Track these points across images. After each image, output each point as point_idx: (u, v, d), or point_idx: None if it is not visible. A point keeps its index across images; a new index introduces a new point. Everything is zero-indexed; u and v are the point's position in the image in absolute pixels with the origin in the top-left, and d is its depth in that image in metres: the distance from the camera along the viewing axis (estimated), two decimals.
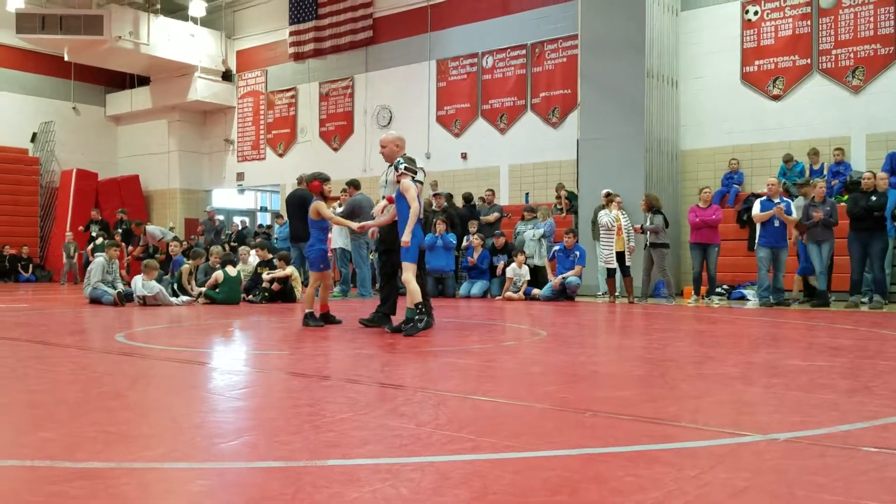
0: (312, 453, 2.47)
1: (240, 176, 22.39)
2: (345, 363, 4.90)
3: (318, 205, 7.49)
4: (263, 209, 25.00)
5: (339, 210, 14.04)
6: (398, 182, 6.55)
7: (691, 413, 3.22)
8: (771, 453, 2.48)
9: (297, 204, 12.23)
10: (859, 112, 12.74)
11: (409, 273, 6.48)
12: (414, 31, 18.38)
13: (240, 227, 19.30)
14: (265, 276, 11.15)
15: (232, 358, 5.40)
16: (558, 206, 15.22)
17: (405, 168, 6.55)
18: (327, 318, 7.49)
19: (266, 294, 11.06)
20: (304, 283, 12.18)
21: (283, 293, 11.04)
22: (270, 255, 12.22)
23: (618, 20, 13.15)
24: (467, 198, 15.05)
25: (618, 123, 13.07)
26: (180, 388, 4.03)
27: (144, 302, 10.07)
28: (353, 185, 12.63)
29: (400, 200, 6.58)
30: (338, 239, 13.06)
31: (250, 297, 11.19)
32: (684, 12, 14.39)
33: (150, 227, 16.48)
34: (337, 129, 20.05)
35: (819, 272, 10.40)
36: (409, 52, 18.46)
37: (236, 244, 16.77)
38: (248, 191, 23.68)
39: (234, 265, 11.25)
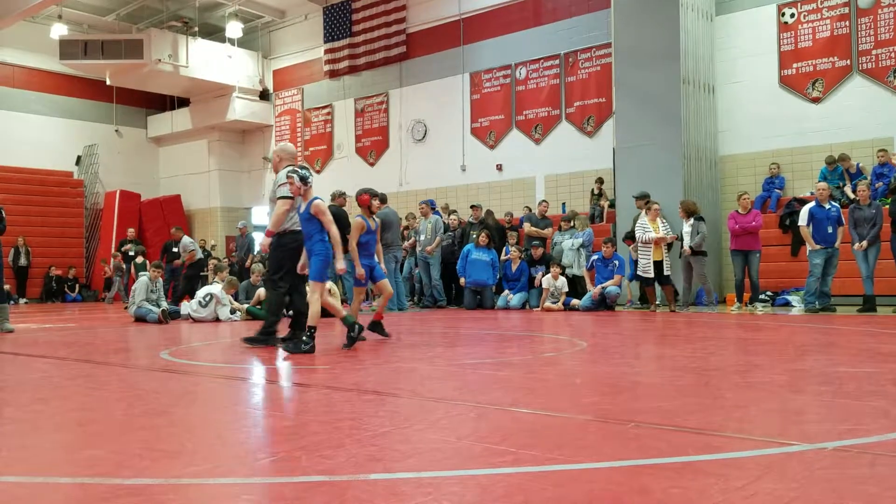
0: (355, 467, 2.49)
1: None
2: (385, 377, 4.92)
3: (354, 222, 7.50)
4: None
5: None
6: (294, 191, 6.48)
7: (737, 423, 3.16)
8: (820, 462, 2.43)
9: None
10: None
11: (315, 294, 6.42)
12: (447, 45, 18.48)
13: None
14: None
15: (274, 373, 5.45)
16: (595, 195, 15.18)
17: (283, 184, 6.51)
18: (376, 326, 7.64)
19: None
20: (344, 298, 12.29)
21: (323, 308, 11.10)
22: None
23: (651, 27, 13.07)
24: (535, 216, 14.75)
25: (654, 131, 12.96)
26: (224, 404, 4.08)
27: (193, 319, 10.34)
28: (381, 199, 12.68)
29: (309, 221, 6.50)
30: None
31: (290, 312, 11.28)
32: (719, 17, 14.24)
33: (185, 239, 16.55)
34: (373, 145, 20.21)
35: (866, 276, 10.17)
36: (442, 66, 18.56)
37: None
38: None
39: None
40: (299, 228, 6.73)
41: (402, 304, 12.51)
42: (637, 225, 11.59)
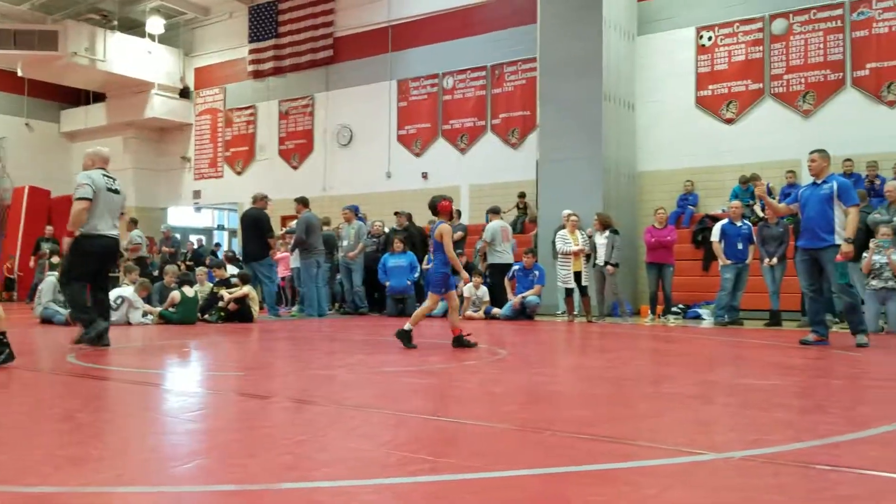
0: (269, 476, 2.43)
1: (196, 194, 22.12)
2: (303, 384, 4.84)
3: (444, 229, 7.12)
4: (220, 227, 24.72)
5: (290, 226, 13.98)
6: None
7: (649, 432, 3.24)
8: (727, 471, 2.51)
9: (251, 223, 12.12)
10: (809, 135, 13.07)
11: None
12: (375, 51, 18.44)
13: (196, 246, 19.03)
14: (224, 295, 10.99)
15: (187, 379, 5.30)
16: (520, 208, 15.44)
17: (81, 185, 6.54)
18: (460, 342, 7.00)
19: (222, 314, 10.91)
20: (262, 303, 12.08)
21: (241, 313, 10.89)
22: (228, 274, 12.08)
23: (575, 44, 13.35)
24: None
25: (576, 145, 13.22)
26: (133, 410, 3.94)
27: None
28: (303, 202, 12.57)
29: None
30: (294, 259, 13.01)
31: (206, 316, 11.03)
32: (640, 37, 14.68)
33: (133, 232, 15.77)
34: (297, 148, 19.96)
35: (773, 292, 10.60)
36: (369, 72, 18.50)
37: (192, 263, 16.53)
38: (204, 209, 23.40)
39: (192, 285, 11.07)
40: (98, 233, 6.65)
41: (323, 310, 12.36)
42: (557, 236, 11.79)
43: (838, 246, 7.04)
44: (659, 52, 14.55)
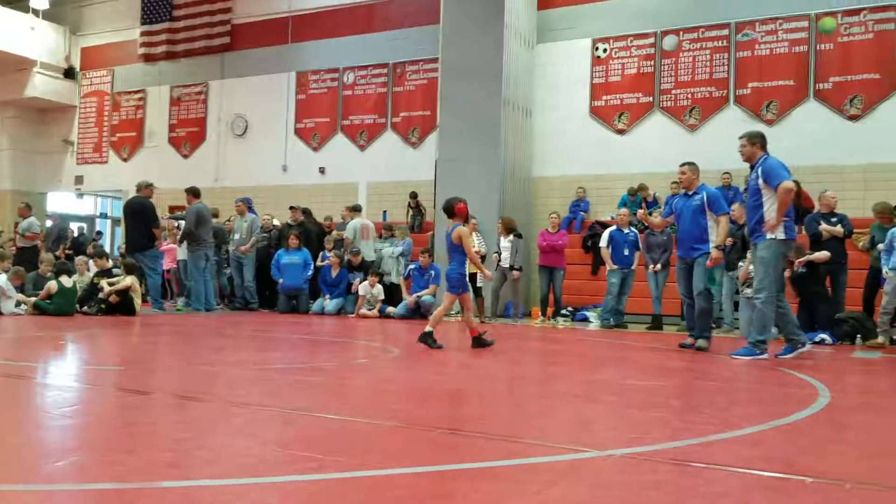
0: (148, 474, 2.34)
1: (79, 179, 21.02)
2: (187, 380, 4.69)
3: (462, 231, 7.15)
4: (103, 216, 23.60)
5: (177, 214, 13.50)
6: None
7: (536, 430, 3.31)
8: (608, 469, 2.59)
9: (136, 212, 11.63)
10: (695, 149, 13.67)
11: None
12: (274, 41, 18.05)
13: (76, 234, 18.10)
14: (105, 286, 10.48)
15: (62, 373, 5.03)
16: (412, 207, 15.50)
17: None
18: (479, 342, 6.92)
19: (103, 306, 10.41)
20: (146, 296, 11.61)
21: (122, 305, 10.42)
22: (109, 265, 11.55)
23: (477, 47, 13.50)
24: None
25: (475, 147, 13.37)
26: (2, 404, 3.70)
27: None
28: (194, 193, 12.15)
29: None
30: (181, 251, 12.60)
31: (85, 308, 10.51)
32: (540, 45, 15.00)
33: (28, 220, 14.74)
34: (188, 136, 19.29)
35: (655, 297, 11.05)
36: (268, 62, 18.09)
37: (72, 252, 15.71)
38: (87, 195, 22.27)
39: (70, 274, 10.52)
40: None
41: (210, 305, 12.00)
42: None
43: (721, 249, 7.36)
44: (557, 61, 14.91)
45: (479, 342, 6.95)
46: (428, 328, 6.94)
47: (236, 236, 12.98)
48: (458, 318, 12.09)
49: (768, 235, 6.66)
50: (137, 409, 3.53)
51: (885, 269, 8.86)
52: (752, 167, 6.97)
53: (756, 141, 6.95)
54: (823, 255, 9.18)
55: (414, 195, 15.50)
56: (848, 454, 2.98)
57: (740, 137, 7.12)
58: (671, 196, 8.11)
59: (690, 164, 7.70)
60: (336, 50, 17.28)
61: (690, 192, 7.59)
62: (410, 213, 15.67)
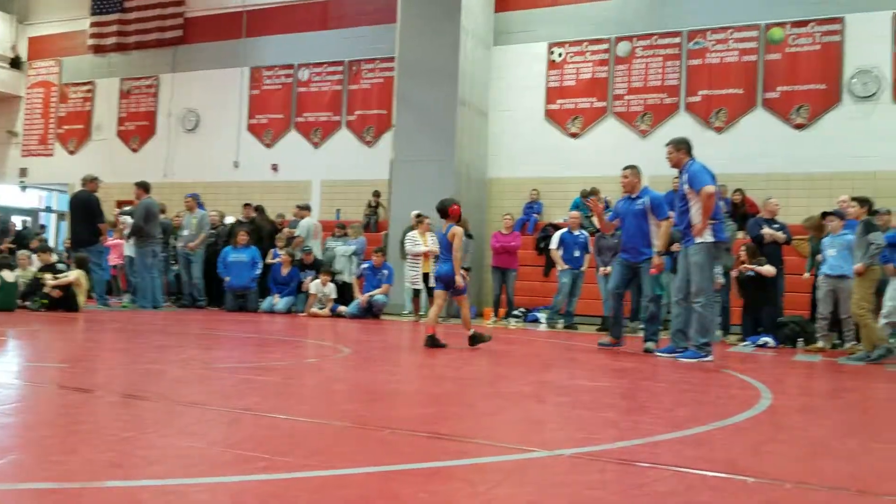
0: (90, 474, 2.28)
1: (23, 172, 20.42)
2: (132, 378, 4.59)
3: (456, 231, 7.38)
4: (48, 209, 22.98)
5: (126, 209, 13.23)
6: None
7: (485, 430, 3.32)
8: (556, 468, 2.61)
9: (81, 206, 11.36)
10: (646, 154, 13.89)
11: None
12: (227, 36, 17.79)
13: (19, 228, 17.57)
14: (49, 281, 10.20)
15: (2, 370, 4.88)
16: (372, 207, 15.46)
17: None
18: (478, 338, 7.28)
19: (45, 301, 10.13)
20: (91, 292, 11.33)
21: (65, 301, 10.15)
22: (53, 259, 11.25)
23: (433, 47, 13.51)
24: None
25: (430, 147, 13.38)
26: None
27: None
28: (144, 187, 11.91)
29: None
30: (128, 247, 12.34)
31: (27, 303, 10.22)
32: (496, 47, 15.07)
33: None
34: (137, 130, 18.89)
35: (605, 299, 11.18)
36: (221, 56, 17.83)
37: (14, 246, 15.25)
38: (31, 188, 21.64)
39: (12, 269, 10.21)
40: None
41: (157, 302, 11.77)
42: (407, 237, 11.88)
43: (665, 254, 7.46)
44: (513, 64, 15.00)
45: (477, 339, 7.25)
46: (471, 332, 7.29)
47: (185, 232, 12.76)
48: (414, 318, 12.10)
49: (697, 239, 6.79)
50: (80, 408, 3.45)
51: (805, 274, 9.51)
52: (679, 173, 7.13)
53: (682, 147, 7.10)
54: (769, 270, 9.40)
55: (377, 194, 15.43)
56: (788, 454, 3.06)
57: (667, 144, 7.28)
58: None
59: (632, 167, 7.78)
60: (291, 46, 17.12)
61: (633, 196, 7.68)
62: (368, 210, 15.60)
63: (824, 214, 8.95)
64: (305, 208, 13.66)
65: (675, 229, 7.44)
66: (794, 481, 2.53)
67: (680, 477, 2.56)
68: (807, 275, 9.98)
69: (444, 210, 7.56)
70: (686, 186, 6.87)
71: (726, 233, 7.25)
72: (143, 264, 11.65)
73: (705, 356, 6.77)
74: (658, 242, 7.37)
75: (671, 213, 7.48)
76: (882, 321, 8.24)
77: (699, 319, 6.86)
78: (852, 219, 8.32)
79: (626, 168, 7.76)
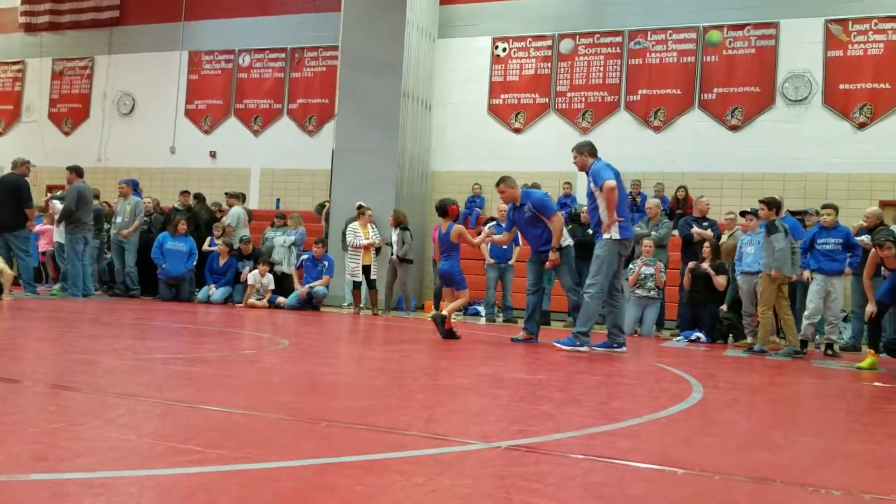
0: (13, 467, 2.20)
1: None
2: (60, 368, 4.45)
3: (460, 229, 7.77)
4: None
5: (57, 194, 12.83)
6: None
7: (424, 422, 3.33)
8: (493, 460, 2.63)
9: (9, 190, 10.94)
10: None
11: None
12: (166, 18, 17.37)
13: None
14: None
15: None
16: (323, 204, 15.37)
17: None
18: (450, 334, 7.53)
19: None
20: (18, 279, 10.94)
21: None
22: None
23: (378, 38, 13.43)
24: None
25: (373, 138, 13.30)
26: None
27: None
28: (77, 172, 11.54)
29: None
30: (58, 233, 11.97)
31: None
32: (441, 39, 15.07)
33: None
34: (70, 112, 18.31)
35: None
36: (159, 39, 17.39)
37: None
38: None
39: None
40: None
41: (88, 290, 11.44)
42: (349, 229, 11.80)
43: (560, 249, 7.49)
44: (457, 57, 15.02)
45: (449, 334, 7.47)
46: (447, 327, 7.50)
47: (118, 219, 12.42)
48: (354, 311, 12.03)
49: (605, 235, 7.02)
50: (5, 398, 3.32)
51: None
52: (516, 205, 7.55)
53: (584, 150, 7.37)
54: (720, 283, 9.63)
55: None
56: (717, 447, 3.15)
57: (572, 150, 7.53)
58: (562, 196, 8.32)
59: (504, 180, 7.77)
60: (232, 31, 16.82)
61: (518, 205, 7.76)
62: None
63: (743, 213, 9.24)
64: (235, 196, 13.49)
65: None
66: (722, 472, 2.60)
67: (614, 469, 2.60)
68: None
69: (444, 209, 7.82)
70: (592, 185, 7.12)
71: (631, 231, 7.47)
72: (73, 251, 11.30)
73: (581, 346, 6.96)
74: (553, 239, 7.47)
75: (560, 212, 7.71)
76: (804, 322, 8.56)
77: (585, 309, 7.06)
78: (764, 220, 8.51)
79: (500, 183, 7.78)
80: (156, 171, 16.96)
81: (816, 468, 2.83)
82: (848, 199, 12.59)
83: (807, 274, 8.71)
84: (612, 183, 6.90)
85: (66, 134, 18.29)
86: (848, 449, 3.29)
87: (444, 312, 7.61)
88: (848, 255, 8.72)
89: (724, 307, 9.58)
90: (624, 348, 7.17)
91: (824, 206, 8.92)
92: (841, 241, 8.57)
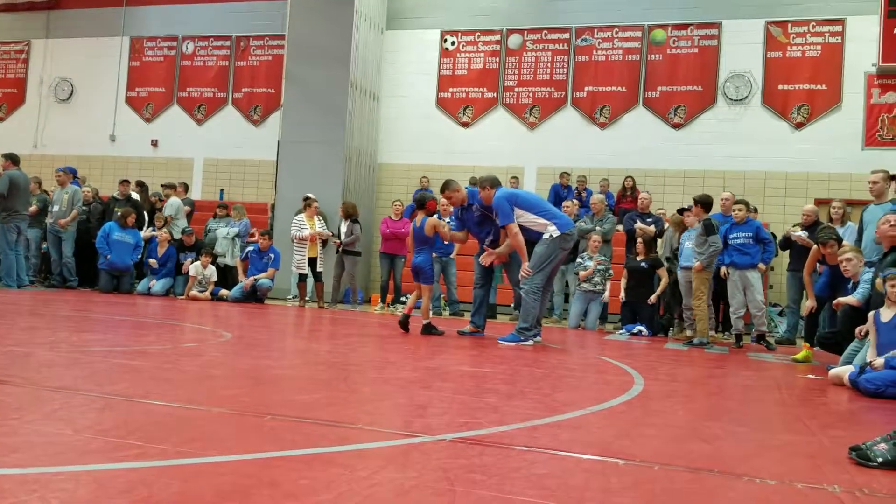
0: None
1: None
2: None
3: (434, 221, 7.73)
4: None
5: None
6: None
7: (368, 416, 3.32)
8: (437, 453, 2.64)
9: None
10: (534, 146, 14.25)
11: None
12: (106, 2, 16.90)
13: None
14: None
15: None
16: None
17: None
18: (429, 329, 7.55)
19: None
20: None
21: None
22: None
23: (325, 28, 13.29)
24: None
25: (320, 130, 13.18)
26: None
27: None
28: (12, 159, 11.17)
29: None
30: None
31: None
32: (389, 31, 15.00)
33: None
34: (4, 98, 17.69)
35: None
36: (99, 24, 16.90)
37: None
38: None
39: None
40: None
41: (22, 281, 11.08)
42: (294, 221, 11.67)
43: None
44: (405, 49, 14.98)
45: (428, 329, 7.50)
46: (425, 321, 7.56)
47: (55, 208, 12.06)
48: (300, 303, 11.92)
49: (545, 235, 7.15)
50: None
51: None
52: (464, 206, 7.80)
53: (486, 184, 7.47)
54: (662, 284, 9.84)
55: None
56: (657, 437, 3.22)
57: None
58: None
59: (446, 185, 7.85)
60: (175, 17, 16.45)
61: (465, 206, 7.85)
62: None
63: (680, 211, 9.45)
64: (171, 187, 13.33)
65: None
66: (662, 463, 2.66)
67: (557, 460, 2.64)
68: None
69: (422, 202, 7.81)
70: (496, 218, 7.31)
71: (570, 223, 7.56)
72: (5, 241, 10.92)
73: (524, 341, 7.06)
74: (501, 248, 7.53)
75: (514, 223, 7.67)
76: (732, 317, 8.84)
77: (524, 305, 7.20)
78: (704, 218, 8.65)
79: (444, 190, 7.88)
80: (95, 159, 16.51)
81: (752, 458, 2.92)
82: (785, 197, 12.99)
83: (723, 270, 8.89)
84: (514, 227, 7.11)
85: (1, 120, 17.67)
86: (782, 439, 3.40)
87: (426, 319, 7.66)
88: (761, 250, 8.86)
89: (651, 298, 9.80)
90: (530, 342, 7.13)
91: (736, 202, 9.12)
92: (751, 234, 8.77)
